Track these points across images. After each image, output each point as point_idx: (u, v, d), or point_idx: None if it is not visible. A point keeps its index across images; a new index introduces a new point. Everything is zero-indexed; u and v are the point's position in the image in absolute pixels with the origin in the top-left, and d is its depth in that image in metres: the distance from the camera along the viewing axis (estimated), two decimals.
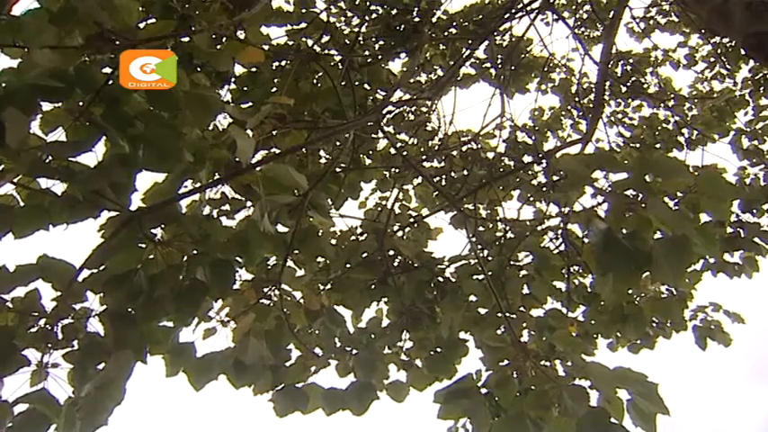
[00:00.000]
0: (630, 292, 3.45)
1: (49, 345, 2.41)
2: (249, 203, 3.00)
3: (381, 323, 3.14)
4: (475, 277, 3.25)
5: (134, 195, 2.24)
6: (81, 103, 2.10)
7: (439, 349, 3.08)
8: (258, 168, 2.43)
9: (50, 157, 2.05)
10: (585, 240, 3.37)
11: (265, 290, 2.97)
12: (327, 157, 4.11)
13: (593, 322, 3.39)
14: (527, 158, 5.76)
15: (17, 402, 2.15)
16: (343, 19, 4.92)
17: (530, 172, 5.46)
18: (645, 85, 6.74)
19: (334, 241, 3.70)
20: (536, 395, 2.36)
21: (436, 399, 2.37)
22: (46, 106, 2.13)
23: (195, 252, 2.23)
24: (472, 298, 3.30)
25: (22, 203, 2.15)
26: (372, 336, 3.06)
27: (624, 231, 2.03)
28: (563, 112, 6.93)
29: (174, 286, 2.11)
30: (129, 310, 2.18)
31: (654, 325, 4.12)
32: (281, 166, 2.36)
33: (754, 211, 4.91)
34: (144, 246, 2.24)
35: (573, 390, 2.31)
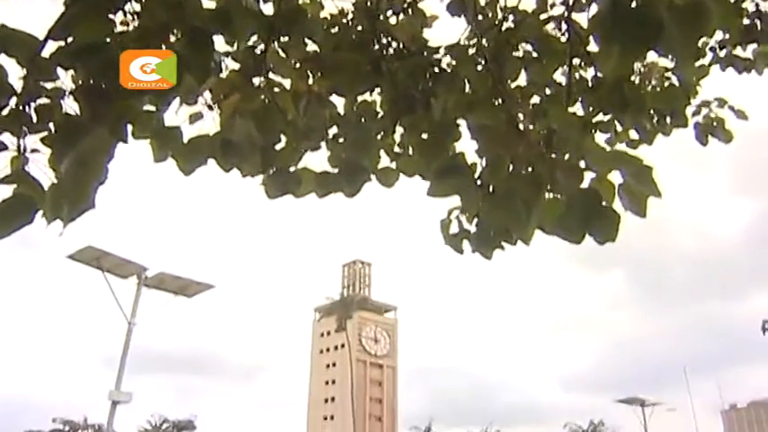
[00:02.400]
0: (633, 78, 3.32)
1: (25, 127, 2.34)
2: None
3: (373, 107, 3.03)
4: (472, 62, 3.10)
5: None
6: None
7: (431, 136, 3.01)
8: None
9: None
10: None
11: (252, 77, 2.83)
12: None
13: (591, 109, 3.29)
14: None
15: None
16: None
17: None
18: None
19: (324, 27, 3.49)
20: (528, 175, 2.32)
21: (427, 176, 2.34)
22: None
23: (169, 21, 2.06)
24: (468, 86, 3.18)
25: None
26: (364, 120, 2.96)
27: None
28: None
29: None
30: (103, 86, 2.06)
31: (654, 120, 4.03)
32: None
33: None
34: (113, 17, 2.07)
35: (567, 168, 2.26)
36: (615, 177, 2.41)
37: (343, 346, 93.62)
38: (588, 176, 2.40)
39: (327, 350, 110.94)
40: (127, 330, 20.31)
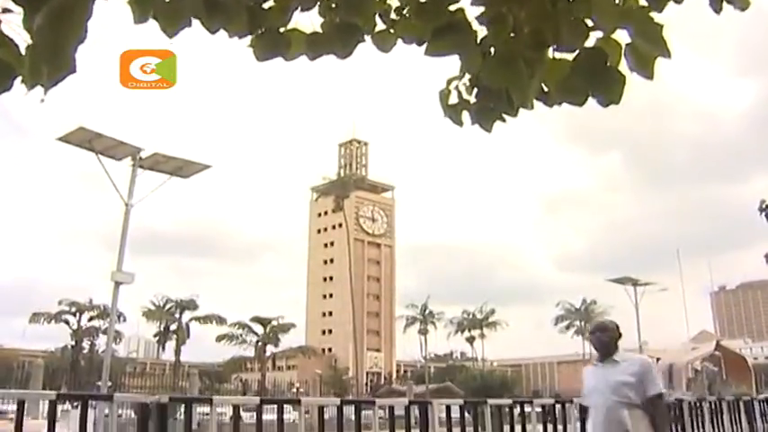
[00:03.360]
0: None
1: None
2: None
3: None
4: None
5: None
6: None
7: None
8: None
9: None
10: None
11: None
12: None
13: None
14: None
15: None
16: None
17: None
18: None
19: None
20: (532, 33, 2.20)
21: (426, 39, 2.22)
22: None
23: None
24: None
25: None
26: None
27: None
28: None
29: None
30: None
31: None
32: None
33: None
34: None
35: (572, 25, 2.14)
36: (622, 37, 2.30)
37: (340, 225, 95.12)
38: (594, 36, 2.28)
39: (325, 230, 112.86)
40: (125, 212, 20.45)
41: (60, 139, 19.68)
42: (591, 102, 2.30)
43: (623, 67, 2.29)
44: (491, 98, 2.72)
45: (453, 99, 2.87)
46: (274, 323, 62.34)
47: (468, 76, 2.76)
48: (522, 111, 2.67)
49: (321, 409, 6.52)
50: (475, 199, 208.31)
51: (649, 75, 2.24)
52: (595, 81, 2.17)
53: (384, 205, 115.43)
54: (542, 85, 2.40)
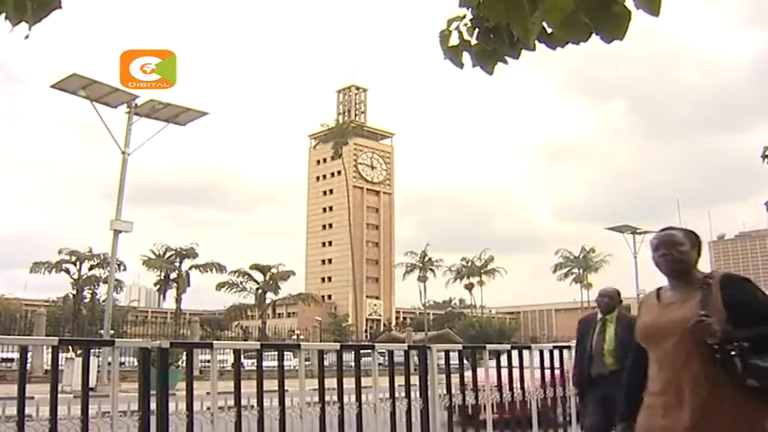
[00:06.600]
0: None
1: None
2: None
3: None
4: None
5: None
6: None
7: None
8: None
9: None
10: None
11: None
12: None
13: None
14: None
15: None
16: None
17: None
18: None
19: None
20: None
21: None
22: None
23: None
24: None
25: None
26: None
27: None
28: None
29: None
30: None
31: None
32: None
33: None
34: None
35: None
36: None
37: (339, 173, 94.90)
38: None
39: (324, 177, 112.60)
40: (122, 161, 20.29)
41: (54, 86, 19.35)
42: (593, 51, 2.22)
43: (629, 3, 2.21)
44: (492, 38, 2.65)
45: (454, 40, 2.80)
46: (274, 271, 62.59)
47: (469, 15, 2.69)
48: (524, 58, 2.61)
49: (321, 355, 6.58)
50: (475, 148, 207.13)
51: (655, 12, 2.16)
52: (600, 17, 2.10)
53: (383, 153, 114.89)
54: (544, 26, 2.33)
